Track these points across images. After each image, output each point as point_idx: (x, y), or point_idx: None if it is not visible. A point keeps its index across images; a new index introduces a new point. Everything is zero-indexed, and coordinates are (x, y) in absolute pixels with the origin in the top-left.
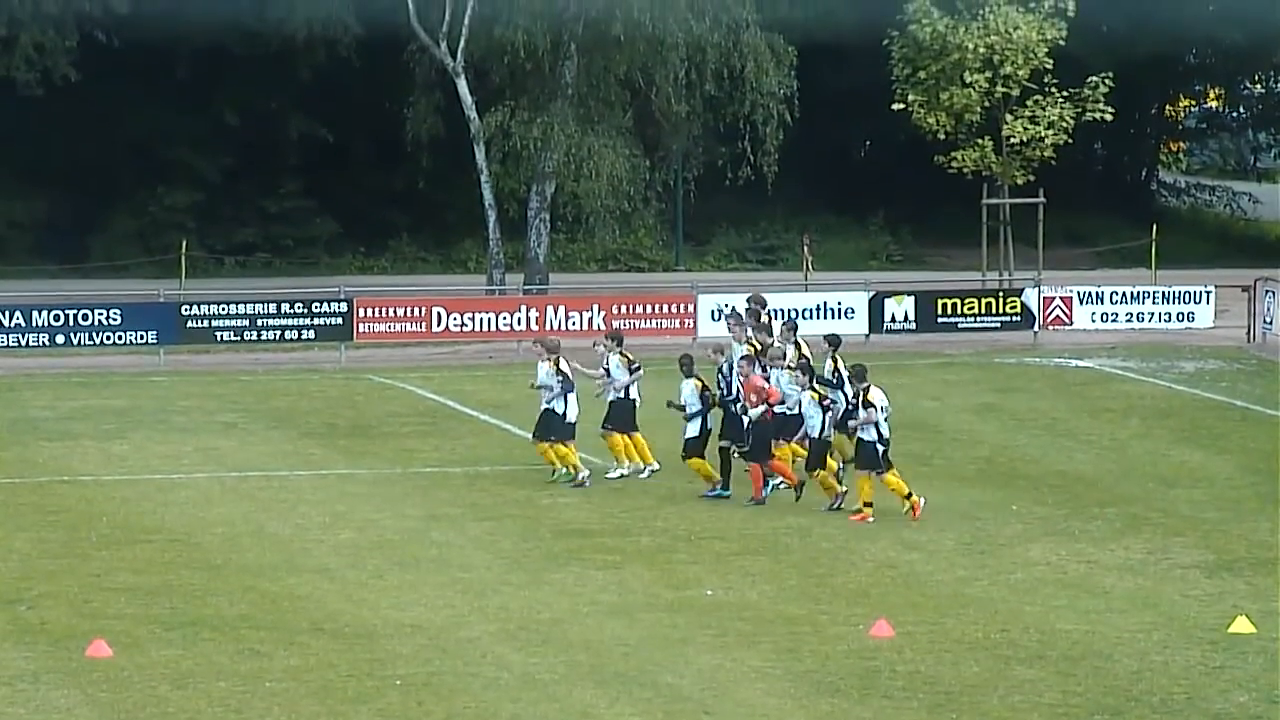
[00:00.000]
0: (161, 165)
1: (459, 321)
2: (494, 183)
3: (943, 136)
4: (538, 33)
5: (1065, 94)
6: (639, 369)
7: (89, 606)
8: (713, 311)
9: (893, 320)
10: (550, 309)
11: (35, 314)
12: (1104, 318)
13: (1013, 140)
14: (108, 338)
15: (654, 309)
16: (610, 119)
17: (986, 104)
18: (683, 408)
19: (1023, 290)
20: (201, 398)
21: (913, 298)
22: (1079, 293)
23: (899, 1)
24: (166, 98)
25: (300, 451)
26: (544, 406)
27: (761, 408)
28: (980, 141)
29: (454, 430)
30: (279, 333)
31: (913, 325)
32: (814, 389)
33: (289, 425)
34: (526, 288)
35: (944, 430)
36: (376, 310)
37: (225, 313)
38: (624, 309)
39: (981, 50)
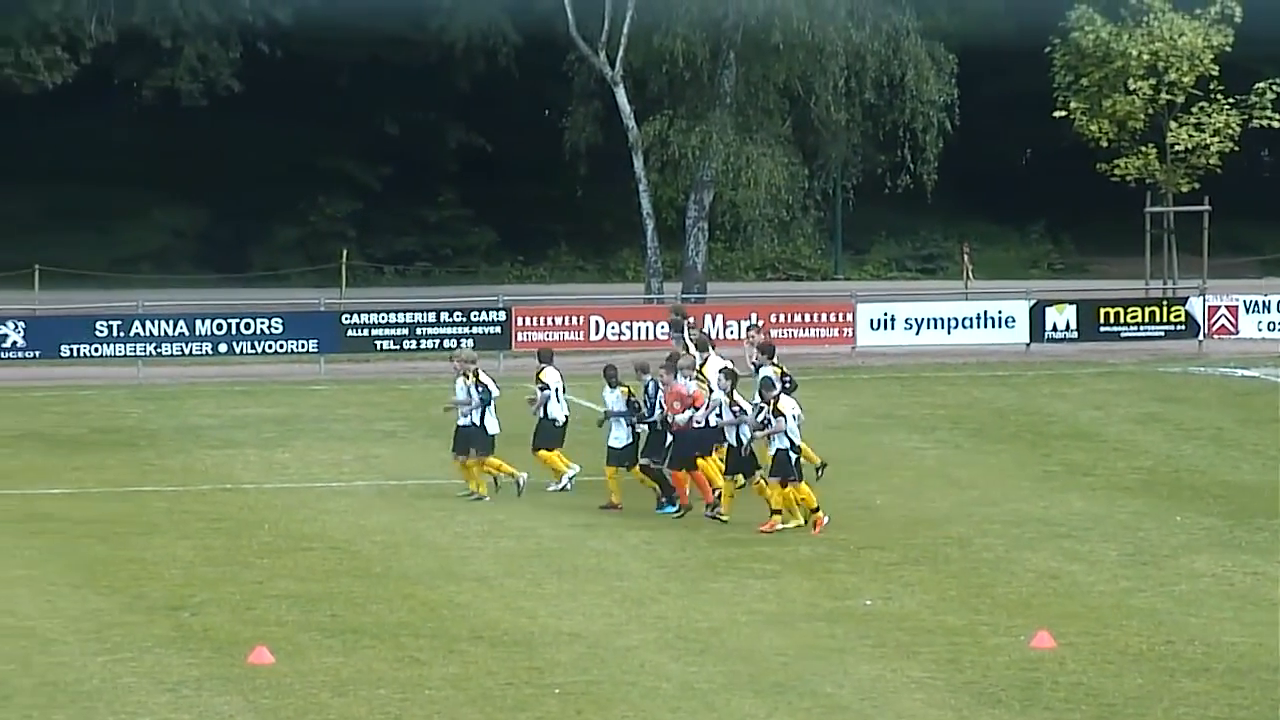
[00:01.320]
0: (322, 175)
1: (616, 330)
2: (652, 191)
3: (1105, 144)
4: (697, 41)
5: (1231, 100)
6: (546, 389)
7: (251, 613)
8: (871, 320)
9: (1054, 329)
10: (708, 317)
11: (199, 323)
12: (1271, 326)
13: (1177, 148)
14: (269, 347)
15: (812, 318)
16: (769, 127)
17: (1150, 111)
18: (607, 415)
19: (1187, 299)
20: (361, 406)
21: (1074, 307)
22: (1245, 301)
23: (1061, 9)
24: (327, 108)
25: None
26: (460, 421)
27: (688, 413)
28: (1144, 149)
29: None
30: (438, 341)
31: (1074, 334)
32: (733, 396)
33: (447, 433)
34: (684, 296)
35: (1106, 440)
36: (534, 319)
37: (385, 321)
38: (782, 318)
39: (1145, 57)
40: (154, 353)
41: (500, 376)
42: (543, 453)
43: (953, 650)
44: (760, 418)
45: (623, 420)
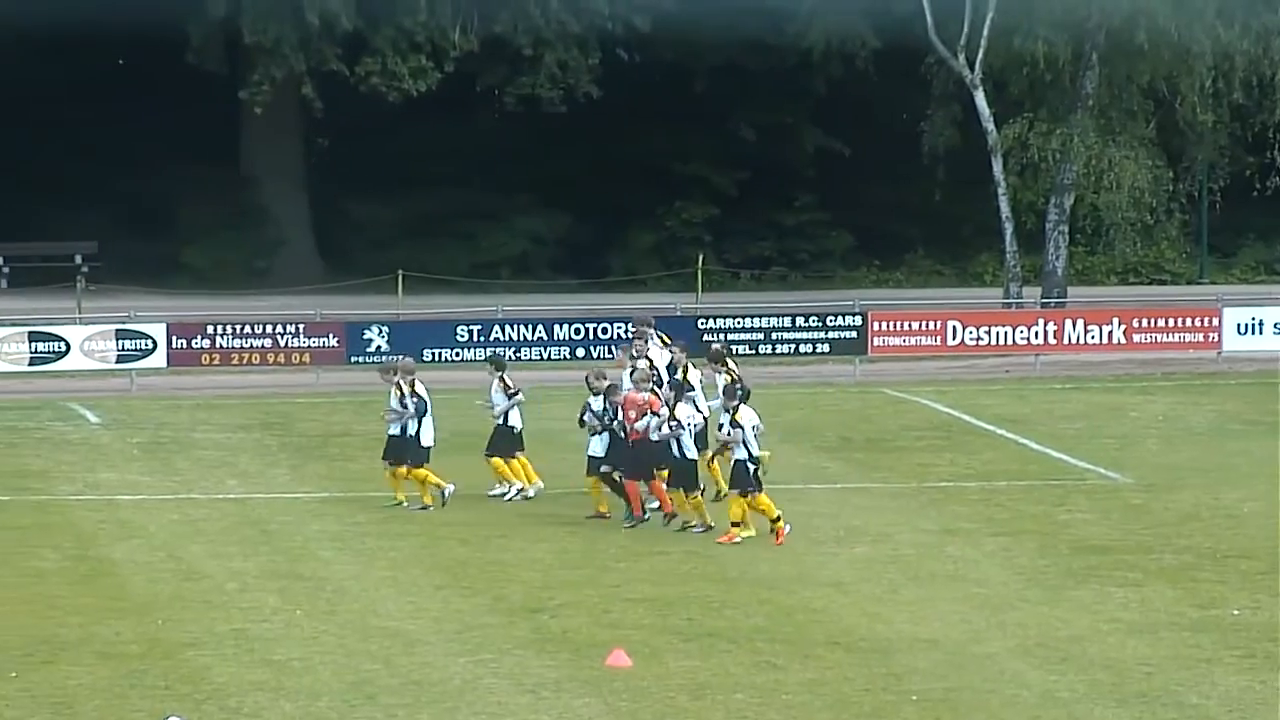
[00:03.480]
0: (678, 180)
1: (975, 335)
2: (1011, 195)
3: None
4: (1058, 43)
5: None
6: (518, 394)
7: (608, 616)
8: (1239, 325)
9: None
10: (1069, 322)
11: (556, 328)
12: None
13: None
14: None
15: (1176, 323)
16: (1132, 129)
17: None
18: (598, 417)
19: None
20: None
21: None
22: None
23: None
24: (683, 113)
25: (814, 465)
26: (393, 431)
27: (645, 419)
28: None
29: (969, 444)
30: (793, 346)
31: None
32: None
33: (803, 438)
34: (1044, 301)
35: None
36: (891, 324)
37: (740, 326)
38: (1145, 322)
39: None
40: (513, 357)
41: (856, 381)
42: (496, 460)
43: None
44: (724, 431)
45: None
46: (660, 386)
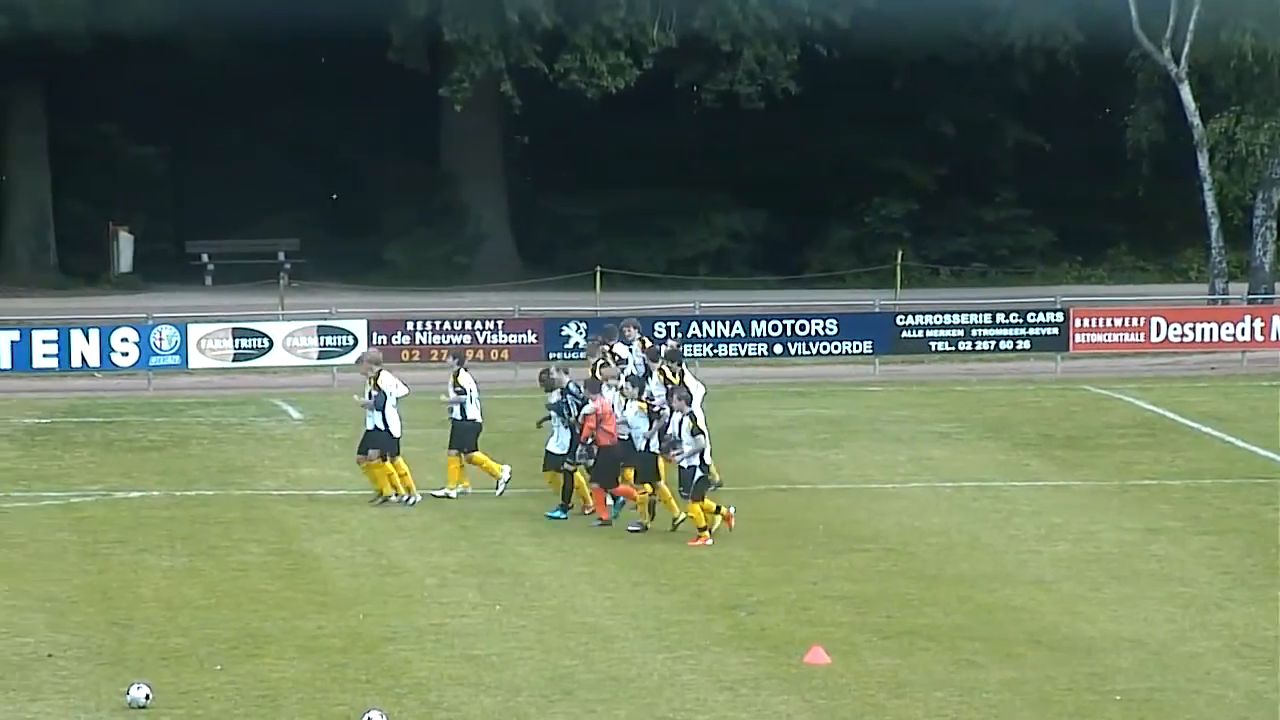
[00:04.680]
0: (877, 176)
1: (1179, 332)
2: (1217, 190)
3: None
4: (1267, 36)
5: None
6: (465, 393)
7: (807, 614)
8: None
9: None
10: (1276, 319)
11: (754, 324)
12: None
13: None
14: (824, 348)
15: None
16: None
17: None
18: (548, 418)
19: None
20: (915, 407)
21: None
22: None
23: None
24: (882, 108)
25: (1015, 462)
26: (367, 425)
27: (590, 438)
28: None
29: (1173, 442)
30: (993, 343)
31: None
32: (641, 400)
33: (1003, 435)
34: (1251, 297)
35: None
36: (1093, 320)
37: (939, 323)
38: None
39: None
40: (710, 353)
41: (1058, 378)
42: (453, 456)
43: None
44: (670, 433)
45: (563, 424)
46: (636, 383)
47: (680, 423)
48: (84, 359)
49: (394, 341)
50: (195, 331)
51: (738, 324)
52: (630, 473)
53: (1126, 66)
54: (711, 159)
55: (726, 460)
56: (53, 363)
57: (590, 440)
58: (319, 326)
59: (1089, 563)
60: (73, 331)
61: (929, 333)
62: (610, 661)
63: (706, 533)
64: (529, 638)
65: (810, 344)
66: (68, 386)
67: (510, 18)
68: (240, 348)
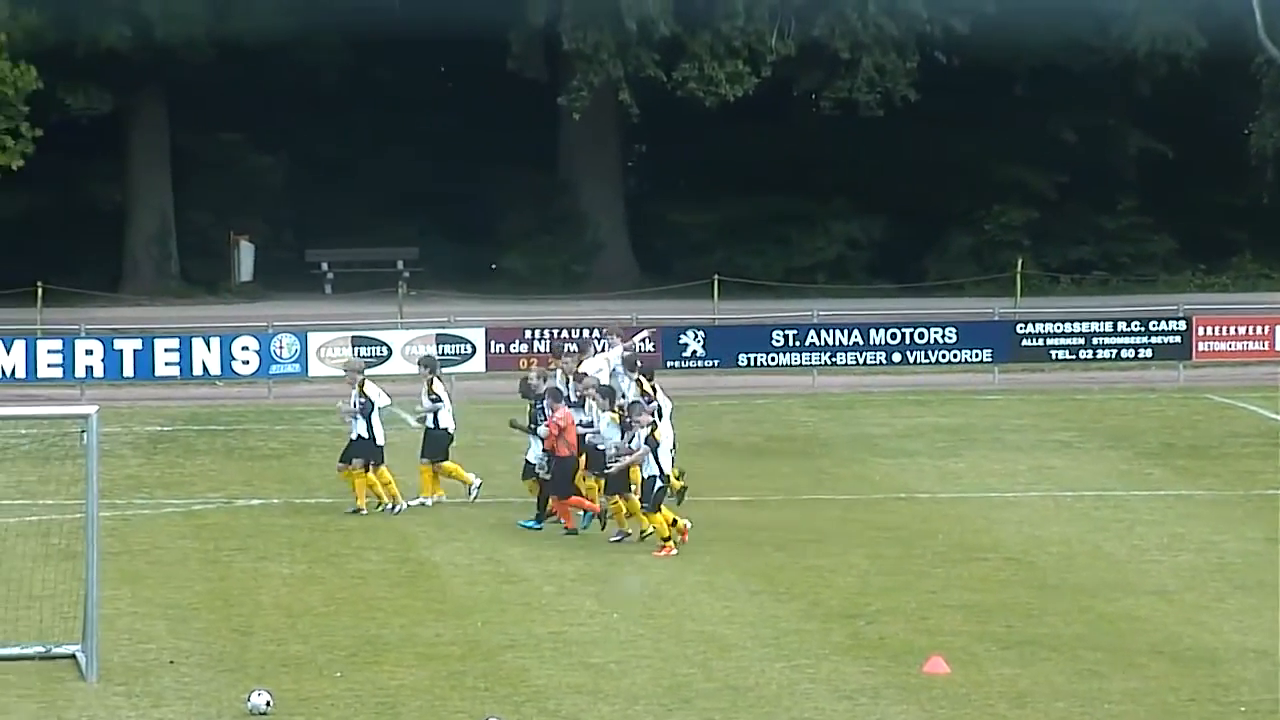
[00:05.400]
0: (996, 183)
1: None
2: None
3: None
4: None
5: None
6: (440, 400)
7: (925, 623)
8: None
9: None
10: None
11: (873, 332)
12: None
13: None
14: (942, 356)
15: None
16: None
17: None
18: (524, 427)
19: None
20: (1035, 416)
21: None
22: None
23: None
24: (1002, 116)
25: (1136, 471)
26: (352, 435)
27: (546, 448)
28: None
29: None
30: (1115, 351)
31: None
32: (614, 410)
33: (1125, 444)
34: None
35: None
36: (1216, 329)
37: (1060, 331)
38: None
39: None
40: (828, 362)
41: (1180, 387)
42: (425, 465)
43: None
44: (626, 441)
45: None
46: (606, 394)
47: (636, 435)
48: (205, 367)
49: (512, 350)
50: (315, 340)
51: (856, 332)
52: (597, 484)
53: (1251, 72)
54: (829, 167)
55: (845, 469)
56: (174, 371)
57: (549, 451)
58: (437, 334)
59: (1212, 573)
60: (194, 340)
61: (1049, 341)
62: (728, 670)
63: (670, 543)
64: (646, 646)
65: (929, 352)
66: (189, 394)
67: (629, 26)
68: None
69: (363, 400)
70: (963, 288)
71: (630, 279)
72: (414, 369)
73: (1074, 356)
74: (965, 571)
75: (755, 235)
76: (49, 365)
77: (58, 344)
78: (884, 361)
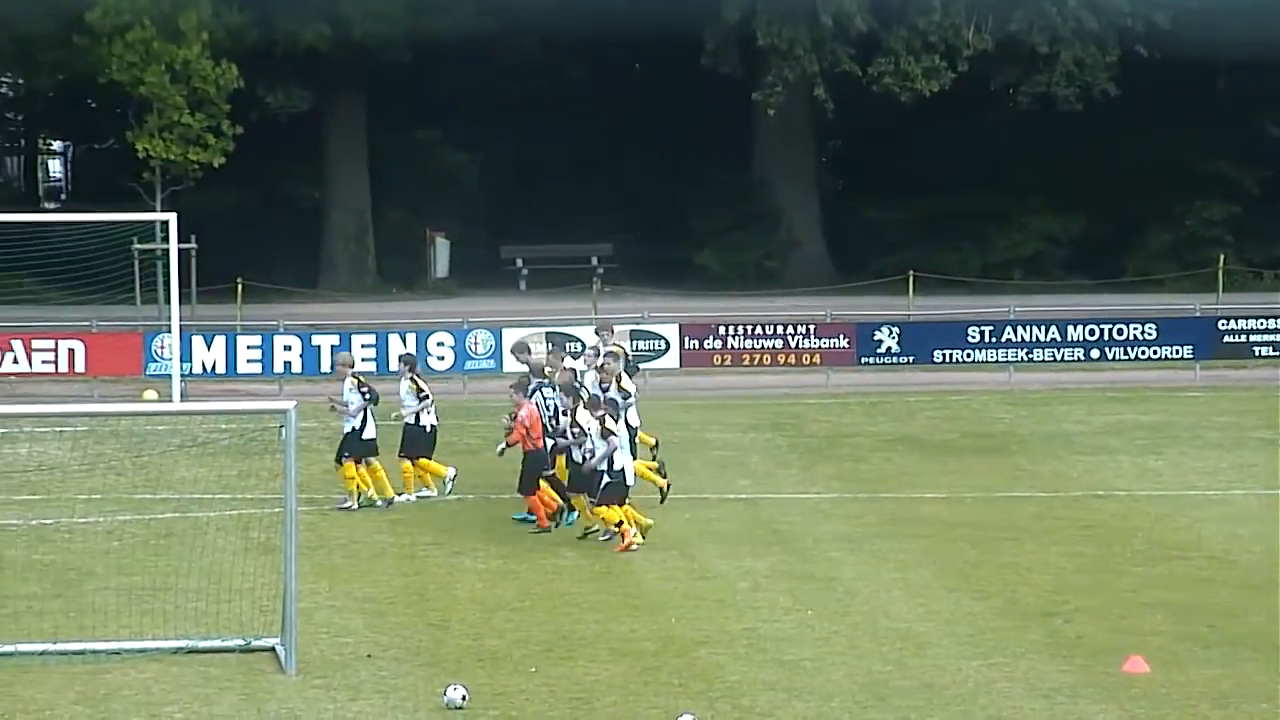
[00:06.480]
0: (1197, 178)
1: None
2: None
3: None
4: None
5: None
6: (428, 397)
7: (1124, 622)
8: None
9: None
10: None
11: (1070, 328)
12: None
13: None
14: (1142, 352)
15: None
16: None
17: None
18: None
19: None
20: (1238, 413)
21: None
22: None
23: None
24: (1202, 110)
25: None
26: (345, 428)
27: (515, 440)
28: None
29: None
30: None
31: None
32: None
33: None
34: None
35: None
36: None
37: (1263, 327)
38: None
39: None
40: (1025, 358)
41: None
42: (405, 462)
43: None
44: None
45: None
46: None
47: (590, 425)
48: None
49: (705, 346)
50: (510, 335)
51: (1053, 328)
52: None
53: None
54: (1026, 162)
55: (1042, 466)
56: (370, 367)
57: (504, 447)
58: (631, 330)
59: None
60: (390, 335)
61: (1252, 337)
62: (924, 668)
63: (625, 528)
64: (841, 643)
65: (1128, 348)
66: (384, 390)
67: (824, 21)
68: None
69: (367, 393)
70: (1162, 284)
71: (824, 275)
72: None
73: (1277, 353)
74: (1165, 570)
75: (950, 231)
76: (248, 361)
77: (257, 340)
78: (1082, 358)
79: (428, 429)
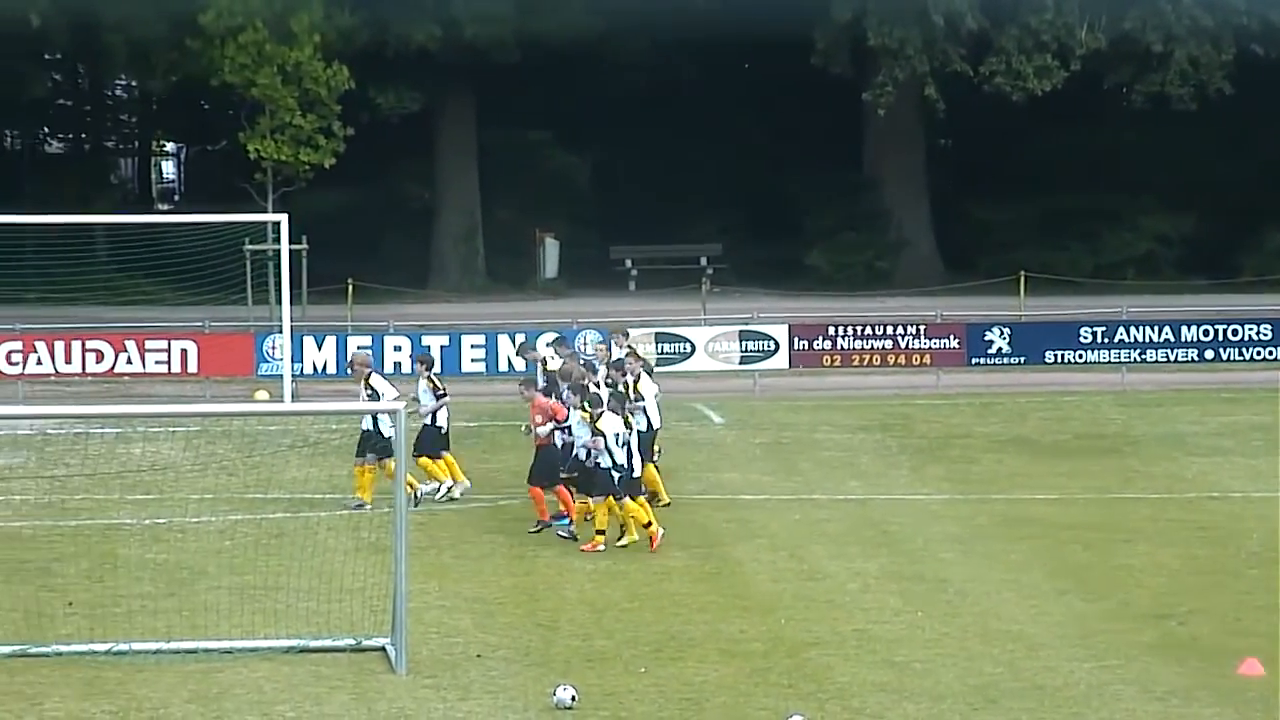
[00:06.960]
0: None
1: None
2: None
3: None
4: None
5: None
6: (445, 395)
7: (1239, 624)
8: None
9: None
10: None
11: (1184, 329)
12: None
13: None
14: (1257, 353)
15: None
16: None
17: None
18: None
19: None
20: None
21: None
22: None
23: None
24: None
25: None
26: (365, 426)
27: (549, 426)
28: None
29: None
30: None
31: None
32: (583, 408)
33: None
34: None
35: None
36: None
37: None
38: None
39: None
40: (1138, 359)
41: None
42: (424, 460)
43: None
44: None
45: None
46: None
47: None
48: (510, 363)
49: (815, 346)
50: None
51: (1167, 329)
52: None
53: None
54: (1140, 161)
55: (1155, 467)
56: (480, 367)
57: (529, 430)
58: (740, 331)
59: None
60: (499, 336)
61: None
62: (1035, 670)
63: (601, 537)
64: (952, 645)
65: (1243, 349)
66: (494, 390)
67: (935, 21)
68: (662, 352)
69: (369, 393)
70: (1278, 284)
71: (935, 276)
72: (717, 364)
73: None
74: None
75: (1062, 231)
76: None
77: (367, 340)
78: (1196, 358)
79: (443, 429)
